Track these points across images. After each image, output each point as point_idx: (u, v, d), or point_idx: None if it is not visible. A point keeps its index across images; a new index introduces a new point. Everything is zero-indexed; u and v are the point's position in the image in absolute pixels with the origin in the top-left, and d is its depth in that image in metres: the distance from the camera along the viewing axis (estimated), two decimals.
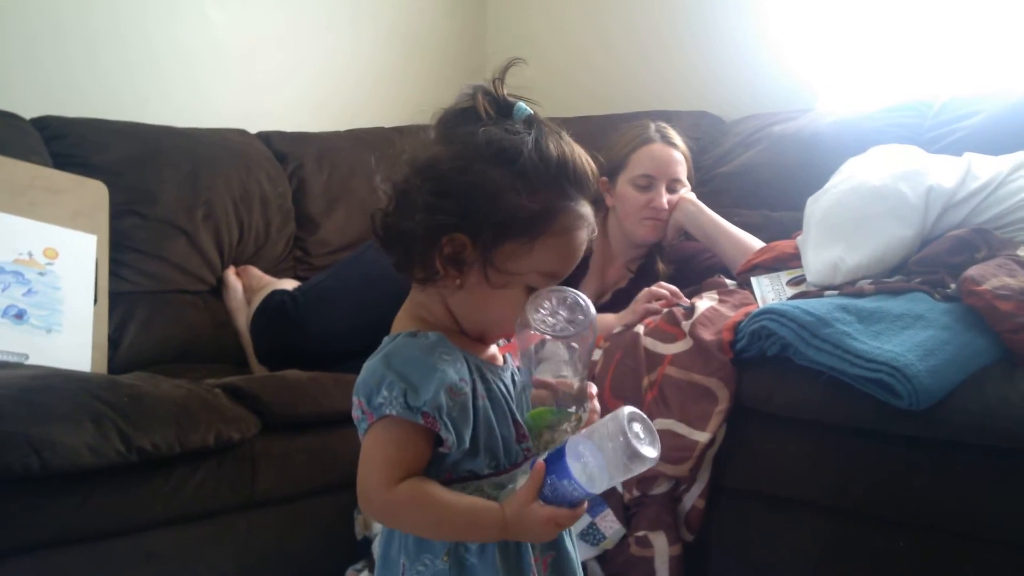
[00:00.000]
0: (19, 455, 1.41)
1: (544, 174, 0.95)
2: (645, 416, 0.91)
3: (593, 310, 0.98)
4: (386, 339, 1.00)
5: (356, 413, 0.96)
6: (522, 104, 0.99)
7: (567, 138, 1.00)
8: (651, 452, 0.89)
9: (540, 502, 0.91)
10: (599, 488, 0.90)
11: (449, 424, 0.92)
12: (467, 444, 0.95)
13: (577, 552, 1.09)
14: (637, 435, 0.88)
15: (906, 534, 1.64)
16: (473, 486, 0.97)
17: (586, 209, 0.99)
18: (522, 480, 0.95)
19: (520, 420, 1.01)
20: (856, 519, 1.69)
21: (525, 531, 0.93)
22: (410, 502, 0.93)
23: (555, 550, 1.04)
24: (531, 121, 0.98)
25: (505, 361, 1.07)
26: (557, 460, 0.91)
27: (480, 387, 0.98)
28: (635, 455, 0.87)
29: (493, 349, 1.06)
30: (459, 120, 0.99)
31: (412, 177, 0.97)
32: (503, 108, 0.98)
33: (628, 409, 0.90)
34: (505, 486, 0.98)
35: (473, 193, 0.94)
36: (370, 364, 0.96)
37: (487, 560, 0.97)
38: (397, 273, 1.02)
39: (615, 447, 0.88)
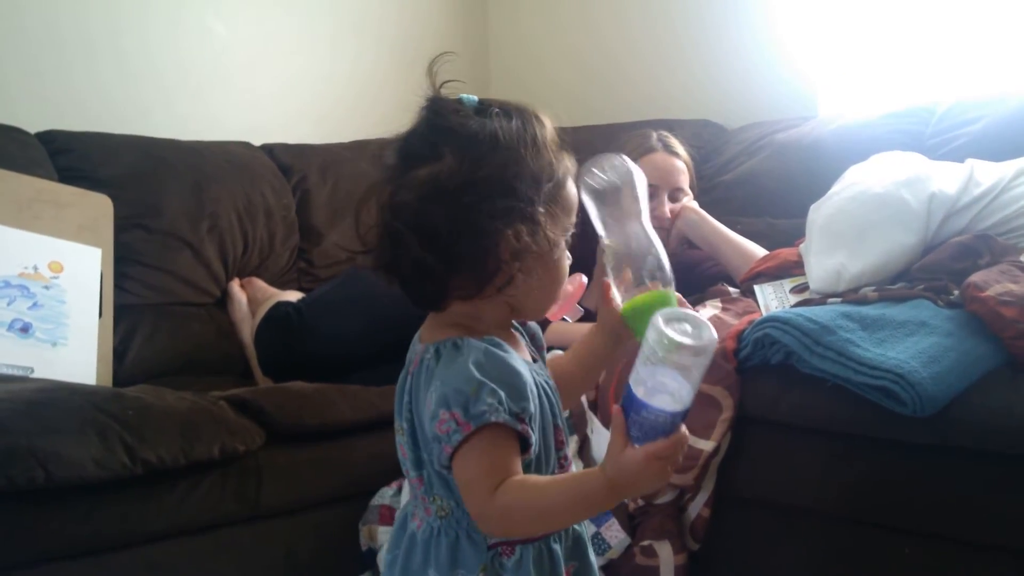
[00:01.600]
0: (24, 468, 1.42)
1: (549, 140, 0.98)
2: (682, 311, 0.89)
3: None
4: (429, 349, 0.97)
5: (447, 427, 0.91)
6: (464, 94, 1.00)
7: (514, 102, 1.02)
8: (697, 340, 0.84)
9: (633, 446, 0.87)
10: (680, 402, 0.86)
11: (536, 428, 0.93)
12: (539, 451, 0.95)
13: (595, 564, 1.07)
14: (683, 331, 0.85)
15: (911, 541, 1.63)
16: None
17: (568, 156, 1.02)
18: None
19: (560, 424, 1.01)
20: (861, 527, 1.68)
21: (631, 481, 0.88)
22: (515, 500, 0.90)
23: (578, 560, 1.03)
24: (487, 102, 1.00)
25: (534, 358, 1.07)
26: (628, 396, 0.87)
27: (533, 387, 0.96)
28: (686, 350, 0.84)
29: (522, 344, 1.07)
30: (435, 134, 0.97)
31: (434, 204, 0.93)
32: (454, 105, 1.00)
33: (660, 312, 0.87)
34: None
35: (513, 181, 0.94)
36: (457, 375, 0.92)
37: (524, 571, 0.96)
38: (427, 309, 1.01)
39: (664, 355, 0.84)
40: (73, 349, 1.99)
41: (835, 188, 2.08)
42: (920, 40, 2.61)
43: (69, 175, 2.23)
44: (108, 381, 2.05)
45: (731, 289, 2.15)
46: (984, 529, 1.55)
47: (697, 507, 1.78)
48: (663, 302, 1.03)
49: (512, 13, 3.54)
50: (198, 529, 1.67)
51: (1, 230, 1.97)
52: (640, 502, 1.78)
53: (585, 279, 1.09)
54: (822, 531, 1.73)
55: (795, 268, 2.07)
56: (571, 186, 1.01)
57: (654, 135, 2.30)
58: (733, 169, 2.64)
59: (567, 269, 1.03)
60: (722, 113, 2.91)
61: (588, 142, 2.86)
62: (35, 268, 1.99)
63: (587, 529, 1.10)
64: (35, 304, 1.96)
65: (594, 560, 1.06)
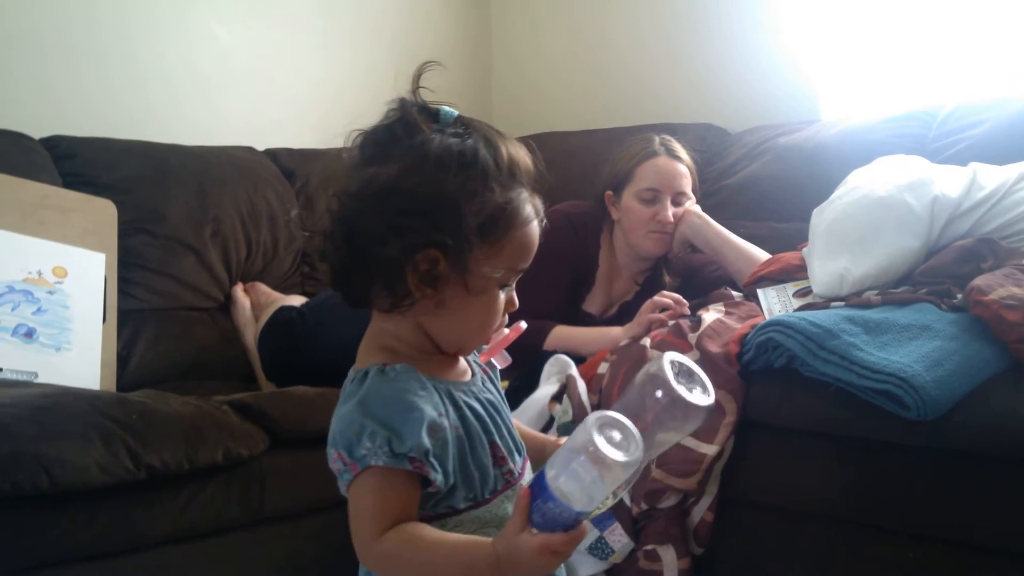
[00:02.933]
0: (29, 473, 1.42)
1: (501, 171, 0.94)
2: (621, 419, 0.84)
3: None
4: (352, 376, 0.96)
5: (336, 465, 0.91)
6: (446, 107, 0.97)
7: (501, 132, 0.98)
8: (621, 456, 0.81)
9: (531, 530, 0.83)
10: (587, 505, 0.82)
11: (436, 464, 0.90)
12: (453, 478, 0.92)
13: None
14: (611, 440, 0.82)
15: (916, 545, 1.63)
16: (452, 522, 0.94)
17: (533, 198, 0.99)
18: (510, 507, 0.91)
19: (497, 441, 0.98)
20: (865, 530, 1.68)
21: (518, 564, 0.84)
22: (398, 550, 0.88)
23: None
24: (464, 123, 0.96)
25: (473, 374, 1.04)
26: (540, 481, 0.84)
27: (453, 416, 0.94)
28: (606, 464, 0.80)
29: (462, 364, 1.04)
30: (392, 137, 0.95)
31: (361, 203, 0.93)
32: (432, 115, 0.96)
33: (596, 415, 0.83)
34: (485, 519, 0.94)
35: (439, 204, 0.91)
36: (344, 413, 0.92)
37: None
38: (353, 307, 0.98)
39: (586, 459, 0.81)
40: (77, 354, 1.99)
41: (838, 192, 2.08)
42: (923, 44, 2.61)
43: (73, 180, 2.24)
44: (112, 386, 2.05)
45: (734, 293, 2.15)
46: (988, 533, 1.55)
47: (701, 511, 1.78)
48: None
49: (515, 17, 3.55)
50: (202, 534, 1.67)
51: (5, 235, 1.97)
52: (644, 506, 1.78)
53: (524, 326, 1.05)
54: (826, 535, 1.73)
55: (798, 272, 2.07)
56: (526, 229, 0.96)
57: (657, 139, 2.30)
58: (736, 173, 2.65)
59: (499, 311, 0.98)
60: (725, 117, 2.91)
61: (591, 146, 2.89)
62: (39, 273, 2.00)
63: (591, 532, 1.08)
64: (39, 309, 1.96)
65: None
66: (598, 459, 0.80)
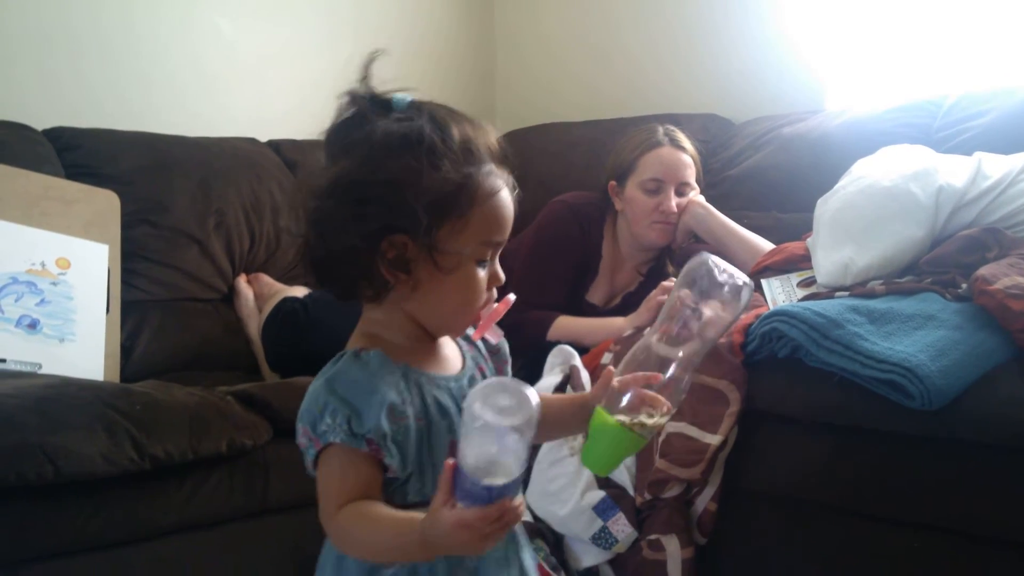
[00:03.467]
0: (34, 464, 1.42)
1: (452, 146, 0.94)
2: (506, 382, 0.82)
3: None
4: (331, 360, 0.98)
5: (302, 440, 0.94)
6: (399, 94, 0.97)
7: (459, 112, 0.99)
8: (505, 420, 0.79)
9: (451, 506, 0.82)
10: (493, 477, 0.80)
11: (394, 450, 0.91)
12: (411, 469, 0.93)
13: None
14: (498, 406, 0.79)
15: (920, 535, 1.63)
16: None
17: (500, 170, 0.99)
18: None
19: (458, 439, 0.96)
20: (869, 521, 1.68)
21: (440, 540, 0.83)
22: (348, 525, 0.90)
23: None
24: (416, 106, 0.97)
25: (463, 369, 1.04)
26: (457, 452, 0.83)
27: (418, 407, 0.95)
28: (496, 432, 0.79)
29: (451, 354, 1.04)
30: (347, 131, 0.97)
31: (323, 202, 0.94)
32: (383, 104, 0.97)
33: (480, 385, 0.82)
34: None
35: (393, 188, 0.92)
36: (312, 390, 0.94)
37: None
38: (344, 301, 1.00)
39: (476, 432, 0.80)
40: (81, 345, 2.00)
41: (842, 182, 2.08)
42: (927, 33, 2.60)
43: (76, 172, 2.24)
44: (116, 377, 2.06)
45: None
46: (992, 523, 1.55)
47: (704, 501, 1.78)
48: (629, 446, 1.00)
49: (518, 8, 3.54)
50: (206, 524, 1.68)
51: (9, 227, 1.97)
52: (647, 496, 1.78)
53: (513, 298, 1.04)
54: (830, 525, 1.73)
55: (802, 262, 2.07)
56: (492, 202, 0.96)
57: (660, 129, 2.30)
58: (740, 163, 2.64)
59: (479, 287, 0.98)
60: (729, 107, 2.90)
61: (595, 136, 2.88)
62: (43, 264, 2.00)
63: (595, 522, 1.07)
64: (43, 300, 1.97)
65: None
66: (487, 429, 0.79)
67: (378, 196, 0.92)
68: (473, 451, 0.80)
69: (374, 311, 1.00)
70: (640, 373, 1.02)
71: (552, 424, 1.08)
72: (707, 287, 1.02)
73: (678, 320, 1.04)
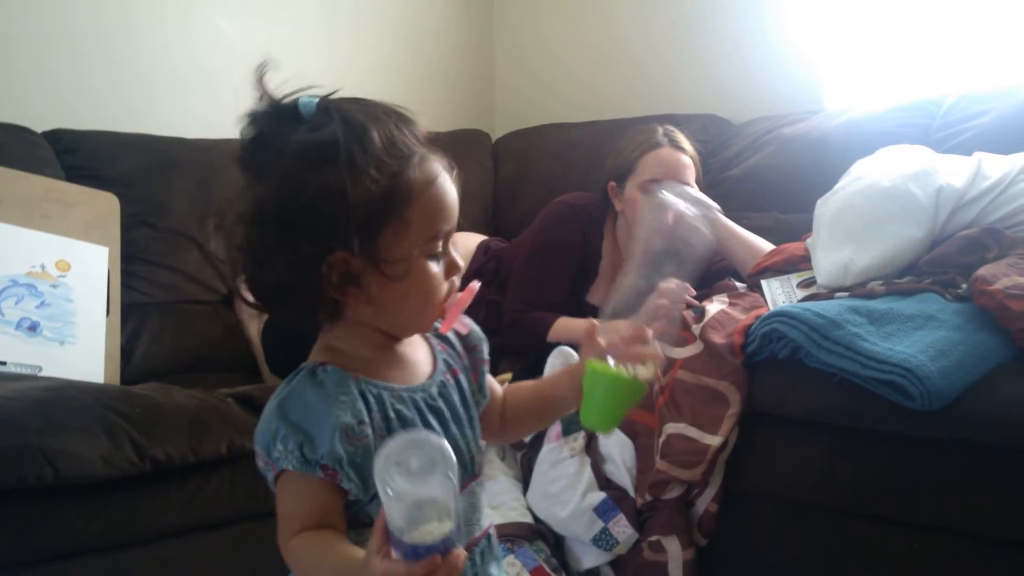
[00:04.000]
0: (34, 466, 1.42)
1: (374, 150, 0.88)
2: (418, 437, 0.78)
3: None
4: (288, 377, 0.93)
5: (259, 463, 0.91)
6: (303, 98, 0.91)
7: (373, 103, 0.93)
8: (417, 486, 0.75)
9: (385, 554, 0.77)
10: (427, 525, 0.76)
11: (352, 473, 0.87)
12: (374, 488, 0.87)
13: None
14: (408, 468, 0.75)
15: (921, 536, 1.63)
16: (368, 533, 0.87)
17: (431, 154, 0.93)
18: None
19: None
20: (870, 521, 1.68)
21: None
22: (299, 554, 0.88)
23: None
24: (325, 108, 0.90)
25: (432, 376, 0.99)
26: None
27: (379, 424, 0.91)
28: (409, 499, 0.74)
29: (419, 358, 1.00)
30: (257, 151, 0.91)
31: (253, 228, 0.89)
32: (289, 113, 0.91)
33: (384, 449, 0.76)
34: None
35: (319, 207, 0.86)
36: (266, 412, 0.90)
37: None
38: (300, 328, 0.94)
39: (390, 499, 0.75)
40: (81, 347, 2.00)
41: (842, 182, 2.08)
42: (927, 33, 2.60)
43: (76, 174, 2.24)
44: (116, 379, 2.06)
45: (738, 284, 2.14)
46: (993, 523, 1.55)
47: (705, 502, 1.78)
48: (626, 393, 0.97)
49: (517, 9, 3.54)
50: (207, 526, 1.68)
51: (9, 229, 1.97)
52: (648, 497, 1.78)
53: (477, 285, 0.99)
54: (831, 526, 1.73)
55: (802, 262, 2.07)
56: (429, 193, 0.90)
57: (660, 130, 2.30)
58: (739, 164, 2.64)
59: (435, 283, 0.93)
60: (728, 108, 2.90)
61: (594, 137, 2.88)
62: (43, 267, 2.00)
63: (595, 524, 1.06)
64: (43, 303, 1.97)
65: None
66: (402, 497, 0.75)
67: (304, 220, 0.87)
68: (392, 513, 0.76)
69: (334, 328, 0.96)
70: (625, 323, 0.98)
71: (549, 405, 1.06)
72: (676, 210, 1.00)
73: (653, 250, 1.01)
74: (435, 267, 0.93)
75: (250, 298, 0.94)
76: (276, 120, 0.91)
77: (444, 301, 0.95)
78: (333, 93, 0.93)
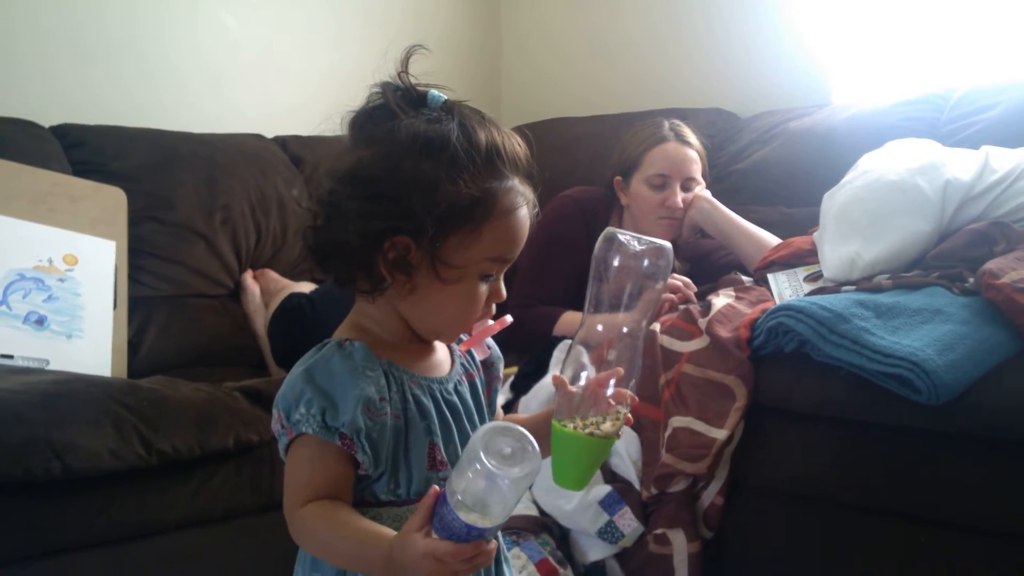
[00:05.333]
0: (41, 459, 1.43)
1: (476, 158, 0.91)
2: (513, 428, 0.81)
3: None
4: (315, 348, 0.95)
5: (276, 427, 0.92)
6: (435, 91, 0.95)
7: (490, 119, 0.96)
8: (512, 471, 0.78)
9: (426, 533, 0.81)
10: (478, 520, 0.79)
11: (367, 447, 0.89)
12: (384, 467, 0.91)
13: None
14: (501, 453, 0.79)
15: (925, 529, 1.63)
16: (371, 513, 0.92)
17: (523, 187, 0.95)
18: None
19: (439, 444, 0.95)
20: (876, 515, 1.68)
21: (405, 564, 0.81)
22: (310, 524, 0.89)
23: None
24: (449, 107, 0.94)
25: (451, 371, 1.01)
26: (447, 485, 0.81)
27: (397, 405, 0.93)
28: (493, 481, 0.78)
29: (440, 356, 1.02)
30: (373, 120, 0.95)
31: (338, 187, 0.93)
32: (416, 99, 0.95)
33: (485, 427, 0.81)
34: (405, 519, 0.88)
35: (407, 191, 0.90)
36: (290, 376, 0.92)
37: None
38: (339, 288, 0.97)
39: (474, 474, 0.78)
40: (88, 341, 2.00)
41: (849, 176, 2.07)
42: (934, 27, 2.59)
43: (83, 168, 2.24)
44: (123, 373, 2.06)
45: (744, 278, 2.14)
46: (1000, 517, 1.55)
47: (711, 495, 1.78)
48: (591, 452, 0.94)
49: (524, 4, 3.53)
50: (213, 519, 1.68)
51: (16, 223, 1.98)
52: (654, 490, 1.78)
53: (509, 320, 1.00)
54: (836, 519, 1.73)
55: (809, 256, 2.07)
56: (508, 220, 0.93)
57: (666, 124, 2.29)
58: (746, 158, 2.63)
59: (477, 302, 0.95)
60: (735, 102, 2.90)
61: (600, 132, 2.88)
62: (50, 261, 2.00)
63: (601, 517, 1.05)
64: (50, 297, 1.97)
65: None
66: (485, 471, 0.78)
67: (390, 196, 0.90)
68: (463, 487, 0.78)
69: (367, 304, 0.97)
70: (589, 379, 0.97)
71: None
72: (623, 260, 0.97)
73: (610, 302, 0.98)
74: (482, 287, 0.95)
75: (308, 244, 0.97)
76: (403, 99, 0.94)
77: (475, 321, 0.98)
78: (465, 102, 0.97)
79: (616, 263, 0.96)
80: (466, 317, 0.96)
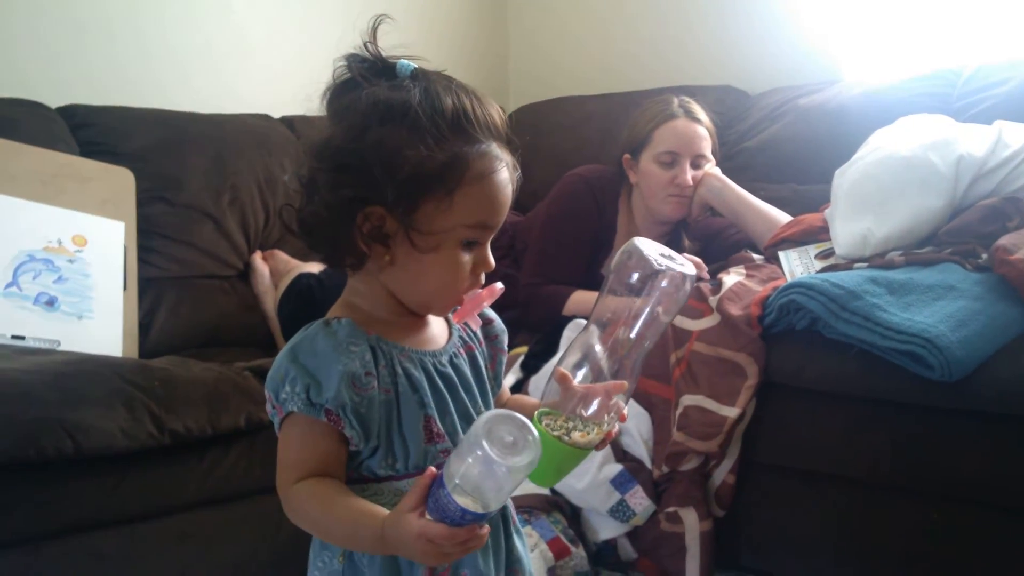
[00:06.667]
0: (53, 439, 1.43)
1: (439, 122, 0.89)
2: (515, 417, 0.81)
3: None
4: (303, 327, 0.95)
5: (268, 407, 0.93)
6: (404, 61, 0.94)
7: (460, 84, 0.94)
8: (513, 460, 0.78)
9: (420, 514, 0.81)
10: (473, 505, 0.79)
11: (355, 421, 0.88)
12: (376, 442, 0.91)
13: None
14: (502, 442, 0.78)
15: (939, 506, 1.62)
16: (372, 489, 0.93)
17: (499, 151, 0.93)
18: None
19: (435, 417, 0.94)
20: (888, 492, 1.68)
21: (398, 544, 0.82)
22: (302, 502, 0.89)
23: (469, 567, 0.95)
24: (417, 75, 0.93)
25: (446, 345, 1.00)
26: (445, 467, 0.81)
27: (386, 379, 0.92)
28: (492, 469, 0.78)
29: (435, 330, 1.01)
30: (341, 94, 0.94)
31: (313, 162, 0.93)
32: (383, 69, 0.94)
33: (487, 415, 0.80)
34: (406, 492, 0.88)
35: (371, 159, 0.89)
36: (278, 357, 0.92)
37: (375, 568, 0.92)
38: (330, 267, 0.97)
39: (474, 460, 0.78)
40: (99, 322, 2.00)
41: (860, 152, 2.06)
42: (946, 2, 2.56)
43: (91, 149, 2.24)
44: (134, 354, 2.06)
45: (755, 256, 2.13)
46: (1012, 492, 1.55)
47: (722, 474, 1.78)
48: (562, 458, 0.93)
49: None
50: (226, 498, 1.69)
51: (25, 204, 1.98)
52: (665, 469, 1.78)
53: (500, 287, 0.99)
54: (848, 497, 1.73)
55: (820, 234, 2.05)
56: (482, 184, 0.91)
57: (675, 101, 2.28)
58: (756, 135, 2.62)
59: (459, 271, 0.93)
60: (745, 79, 2.87)
61: (609, 110, 2.86)
62: (59, 242, 2.00)
63: (612, 495, 1.05)
64: (60, 278, 1.97)
65: (528, 565, 0.99)
66: (485, 458, 0.78)
67: (354, 166, 0.90)
68: (462, 472, 0.78)
69: (356, 281, 0.97)
70: (581, 386, 0.96)
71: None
72: (644, 276, 0.95)
73: (616, 319, 0.98)
74: (465, 256, 0.93)
75: (286, 223, 0.99)
76: (369, 71, 0.94)
77: (463, 291, 0.96)
78: (443, 71, 0.96)
79: (635, 279, 0.94)
80: (451, 287, 0.95)
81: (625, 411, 0.97)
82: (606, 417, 0.95)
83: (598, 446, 0.95)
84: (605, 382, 0.96)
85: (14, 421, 1.42)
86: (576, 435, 0.94)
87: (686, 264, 0.95)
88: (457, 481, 0.78)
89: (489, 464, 0.77)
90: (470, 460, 0.78)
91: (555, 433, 0.93)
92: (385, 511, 0.85)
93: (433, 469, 0.82)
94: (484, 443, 0.77)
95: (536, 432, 0.80)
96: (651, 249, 0.95)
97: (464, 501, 0.78)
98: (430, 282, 0.94)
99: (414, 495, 0.81)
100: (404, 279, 0.94)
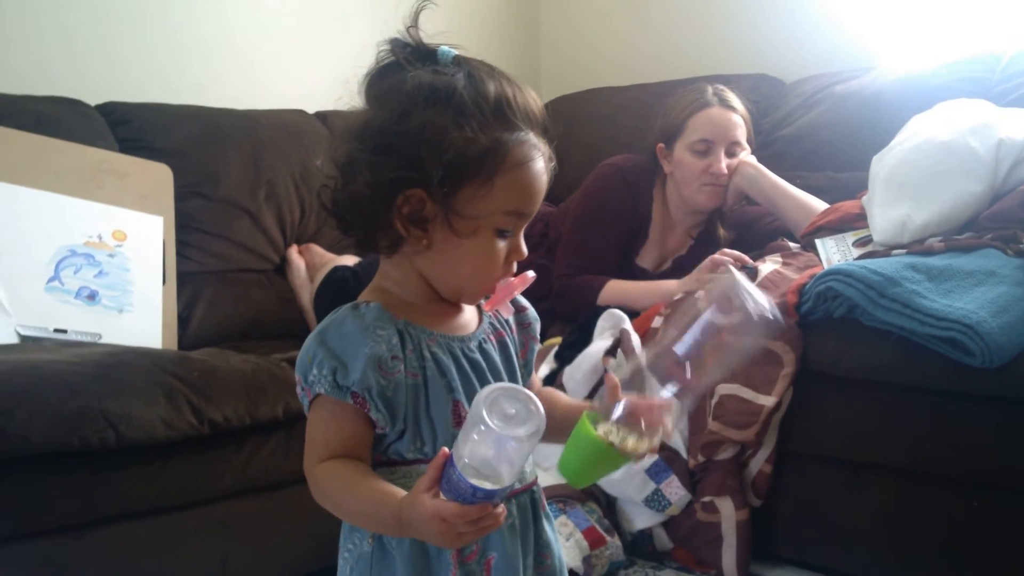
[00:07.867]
0: (96, 429, 1.46)
1: (483, 107, 0.90)
2: (517, 390, 0.81)
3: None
4: (331, 312, 0.95)
5: (298, 390, 0.94)
6: (445, 47, 0.94)
7: (501, 71, 0.95)
8: (516, 431, 0.78)
9: (435, 494, 0.81)
10: (483, 481, 0.79)
11: (380, 404, 0.89)
12: (402, 425, 0.92)
13: (562, 557, 1.03)
14: (505, 414, 0.79)
15: (980, 494, 1.60)
16: (401, 472, 0.93)
17: (536, 139, 0.94)
18: None
19: (463, 402, 0.93)
20: (928, 481, 1.66)
21: (414, 524, 0.83)
22: (325, 482, 0.90)
23: (497, 550, 0.95)
24: (459, 61, 0.93)
25: (476, 332, 1.00)
26: (455, 447, 0.81)
27: (413, 363, 0.92)
28: (498, 441, 0.78)
29: (466, 317, 1.01)
30: (383, 76, 0.94)
31: (351, 145, 0.93)
32: (425, 55, 0.94)
33: (489, 388, 0.80)
34: None
35: (415, 141, 0.89)
36: (307, 340, 0.93)
37: (404, 550, 0.92)
38: (363, 251, 0.98)
39: (478, 436, 0.78)
40: (139, 315, 2.03)
41: (898, 138, 2.03)
42: None
43: (129, 145, 2.27)
44: (173, 347, 2.09)
45: (791, 244, 2.11)
46: None
47: (759, 463, 1.77)
48: (604, 462, 0.91)
49: None
50: (264, 487, 1.71)
51: (66, 200, 2.01)
52: (701, 458, 1.77)
53: (532, 276, 0.98)
54: (886, 486, 1.71)
55: (857, 221, 2.03)
56: (520, 171, 0.92)
57: (710, 89, 2.26)
58: (792, 123, 2.59)
59: (494, 257, 0.94)
60: (779, 67, 2.85)
61: (643, 100, 2.85)
62: (99, 237, 2.03)
63: (647, 485, 1.04)
64: (100, 272, 2.00)
65: (519, 554, 0.98)
66: (489, 432, 0.78)
67: (398, 147, 0.90)
68: (469, 448, 0.79)
69: (389, 265, 0.98)
70: (640, 396, 0.94)
71: (560, 428, 1.00)
72: (730, 311, 0.93)
73: (693, 341, 0.96)
74: (500, 243, 0.94)
75: (324, 203, 0.98)
76: (412, 55, 0.94)
77: (497, 279, 0.97)
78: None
79: (723, 320, 0.93)
80: (486, 275, 0.95)
81: (671, 428, 0.95)
82: (655, 429, 0.93)
83: (638, 457, 0.93)
84: (659, 400, 0.94)
85: (58, 411, 1.44)
86: (630, 442, 0.91)
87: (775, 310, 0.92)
88: (466, 459, 0.79)
89: (493, 437, 0.78)
90: (475, 436, 0.78)
91: (609, 437, 0.91)
92: (403, 492, 0.86)
93: (447, 449, 0.82)
94: (486, 416, 0.77)
95: (539, 404, 0.80)
96: (757, 298, 0.92)
97: (474, 478, 0.79)
98: (465, 267, 0.94)
99: (429, 475, 0.81)
100: (440, 263, 0.95)
